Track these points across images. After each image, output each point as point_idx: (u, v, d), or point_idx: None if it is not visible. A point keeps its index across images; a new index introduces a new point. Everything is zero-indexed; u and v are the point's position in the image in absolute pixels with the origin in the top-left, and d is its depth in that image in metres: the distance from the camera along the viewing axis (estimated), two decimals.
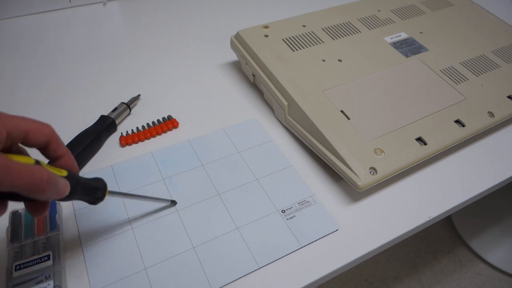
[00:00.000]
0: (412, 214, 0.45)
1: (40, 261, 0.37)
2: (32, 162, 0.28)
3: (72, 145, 0.46)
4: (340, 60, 0.57)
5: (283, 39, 0.59)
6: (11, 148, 0.29)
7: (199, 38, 0.69)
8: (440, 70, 0.58)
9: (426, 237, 1.31)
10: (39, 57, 0.63)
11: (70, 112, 0.54)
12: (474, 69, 0.59)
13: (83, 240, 0.40)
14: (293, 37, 0.60)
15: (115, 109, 0.52)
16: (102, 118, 0.50)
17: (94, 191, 0.34)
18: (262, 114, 0.56)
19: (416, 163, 0.47)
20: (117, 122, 0.51)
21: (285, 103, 0.52)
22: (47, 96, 0.56)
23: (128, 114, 0.54)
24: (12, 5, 0.69)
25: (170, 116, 0.54)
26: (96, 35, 0.68)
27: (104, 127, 0.49)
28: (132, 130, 0.52)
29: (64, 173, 0.30)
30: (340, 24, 0.64)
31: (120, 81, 0.60)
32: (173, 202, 0.44)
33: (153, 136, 0.51)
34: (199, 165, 0.48)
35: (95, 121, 0.50)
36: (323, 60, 0.57)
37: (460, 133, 0.50)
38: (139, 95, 0.56)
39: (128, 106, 0.53)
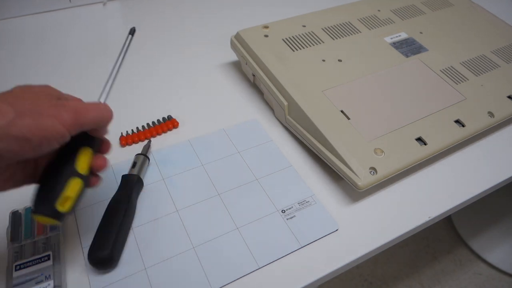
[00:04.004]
0: (412, 214, 0.45)
1: (40, 261, 0.37)
2: None
3: None
4: (340, 60, 0.57)
5: (283, 39, 0.59)
6: None
7: (199, 38, 0.69)
8: (440, 70, 0.58)
9: (426, 237, 1.31)
10: (39, 57, 0.63)
11: None
12: (474, 69, 0.59)
13: (83, 240, 0.40)
14: (293, 37, 0.60)
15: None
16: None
17: None
18: (262, 114, 0.56)
19: (416, 163, 0.47)
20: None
21: (285, 103, 0.52)
22: None
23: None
24: (12, 5, 0.69)
25: (170, 116, 0.54)
26: (96, 35, 0.68)
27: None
28: (132, 130, 0.52)
29: None
30: (340, 24, 0.64)
31: (120, 81, 0.60)
32: (131, 30, 0.45)
33: (153, 136, 0.51)
34: (199, 165, 0.48)
35: None
36: (323, 60, 0.57)
37: (460, 133, 0.50)
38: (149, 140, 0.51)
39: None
